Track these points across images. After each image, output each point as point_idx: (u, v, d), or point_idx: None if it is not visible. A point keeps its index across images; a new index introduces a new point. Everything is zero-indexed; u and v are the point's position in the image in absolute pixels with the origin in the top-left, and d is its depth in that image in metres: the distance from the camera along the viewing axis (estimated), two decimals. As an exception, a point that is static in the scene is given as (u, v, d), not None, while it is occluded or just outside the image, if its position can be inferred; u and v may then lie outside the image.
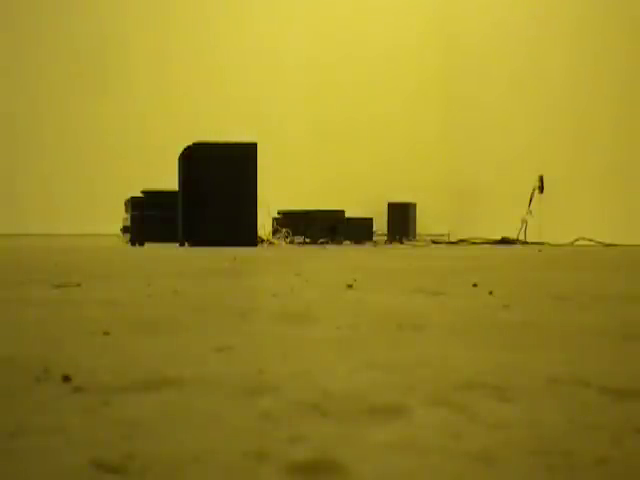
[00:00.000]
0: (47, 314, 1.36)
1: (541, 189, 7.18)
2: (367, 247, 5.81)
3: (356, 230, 6.55)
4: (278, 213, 6.55)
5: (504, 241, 6.66)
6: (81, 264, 3.19)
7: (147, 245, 5.63)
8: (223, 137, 5.55)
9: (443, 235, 7.65)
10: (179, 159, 5.41)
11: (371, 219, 6.81)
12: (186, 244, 5.29)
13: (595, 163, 6.63)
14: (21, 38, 8.41)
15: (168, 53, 8.64)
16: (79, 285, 1.92)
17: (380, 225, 7.57)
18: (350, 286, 1.92)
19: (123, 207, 6.37)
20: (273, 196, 5.81)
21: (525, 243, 6.70)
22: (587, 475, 0.50)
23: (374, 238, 6.71)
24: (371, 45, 8.92)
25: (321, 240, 6.25)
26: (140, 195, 5.89)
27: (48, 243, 5.83)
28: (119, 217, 6.53)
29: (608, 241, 6.05)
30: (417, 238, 7.63)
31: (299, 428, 0.60)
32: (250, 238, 5.24)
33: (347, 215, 6.71)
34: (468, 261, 3.74)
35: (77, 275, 2.34)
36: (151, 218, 5.75)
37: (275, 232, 6.12)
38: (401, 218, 8.06)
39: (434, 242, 6.79)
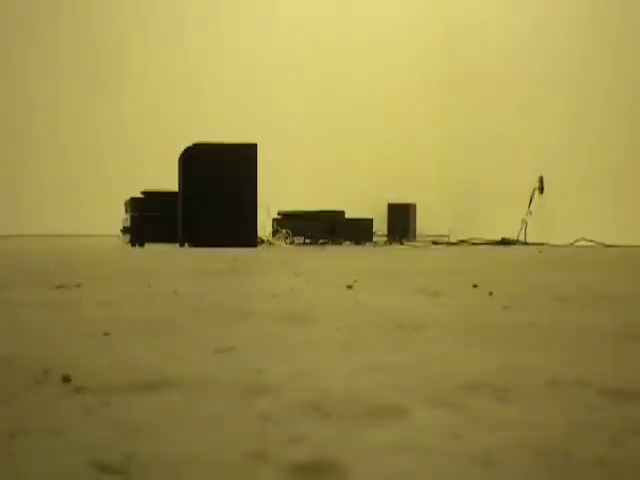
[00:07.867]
0: (47, 315, 1.36)
1: (541, 189, 7.18)
2: (367, 248, 5.81)
3: (356, 230, 6.55)
4: (278, 214, 6.55)
5: (504, 242, 6.65)
6: (81, 265, 3.18)
7: (147, 246, 5.63)
8: (223, 137, 5.55)
9: (443, 236, 7.65)
10: (179, 160, 5.41)
11: (371, 219, 6.80)
12: (186, 244, 5.29)
13: (595, 163, 6.62)
14: (20, 38, 8.40)
15: (168, 53, 8.64)
16: (79, 286, 1.92)
17: (380, 225, 7.56)
18: (350, 287, 1.92)
19: (123, 208, 6.37)
20: (273, 196, 5.80)
21: (525, 244, 6.70)
22: (587, 475, 0.50)
23: (374, 239, 6.70)
24: (371, 45, 8.92)
25: (321, 241, 6.24)
26: (140, 195, 5.89)
27: (48, 244, 5.83)
28: (119, 218, 6.53)
29: (609, 242, 6.04)
30: (417, 239, 7.63)
31: (299, 429, 0.60)
32: (250, 239, 5.24)
33: (347, 215, 6.71)
34: (468, 262, 3.74)
35: (77, 276, 2.34)
36: (151, 219, 5.74)
37: (275, 233, 6.11)
38: (401, 218, 8.05)
39: (434, 243, 6.79)
